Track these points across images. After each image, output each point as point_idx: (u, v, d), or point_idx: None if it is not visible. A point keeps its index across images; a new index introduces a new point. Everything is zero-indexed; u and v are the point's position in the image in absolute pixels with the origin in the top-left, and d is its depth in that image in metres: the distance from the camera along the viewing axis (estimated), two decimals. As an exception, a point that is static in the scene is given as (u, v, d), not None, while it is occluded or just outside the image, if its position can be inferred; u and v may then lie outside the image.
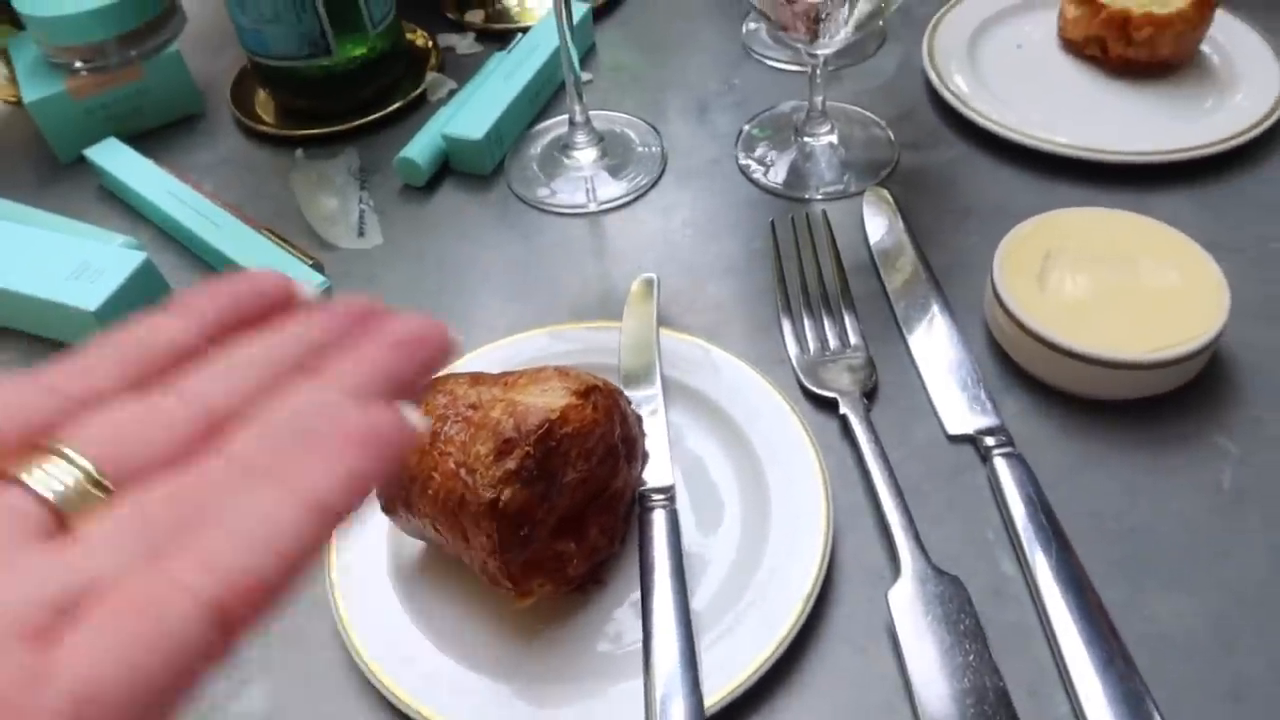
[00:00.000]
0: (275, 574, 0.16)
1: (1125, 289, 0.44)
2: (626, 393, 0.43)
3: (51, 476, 0.17)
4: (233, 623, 0.16)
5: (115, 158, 0.60)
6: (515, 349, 0.46)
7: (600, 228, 0.56)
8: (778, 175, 0.57)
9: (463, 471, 0.34)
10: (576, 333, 0.47)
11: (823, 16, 0.45)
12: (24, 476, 0.17)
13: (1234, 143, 0.53)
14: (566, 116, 0.58)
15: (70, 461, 0.17)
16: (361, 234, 0.56)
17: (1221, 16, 0.60)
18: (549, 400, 0.35)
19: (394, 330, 0.21)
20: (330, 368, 0.20)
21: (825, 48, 0.50)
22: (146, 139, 0.64)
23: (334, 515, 0.17)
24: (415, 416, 0.20)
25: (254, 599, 0.16)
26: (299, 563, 0.17)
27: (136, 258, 0.51)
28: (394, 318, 0.22)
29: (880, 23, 0.49)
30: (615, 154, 0.59)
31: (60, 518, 0.16)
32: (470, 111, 0.59)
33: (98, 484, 0.17)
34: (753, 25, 0.67)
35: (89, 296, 0.49)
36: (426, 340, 0.21)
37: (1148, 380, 0.42)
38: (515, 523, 0.34)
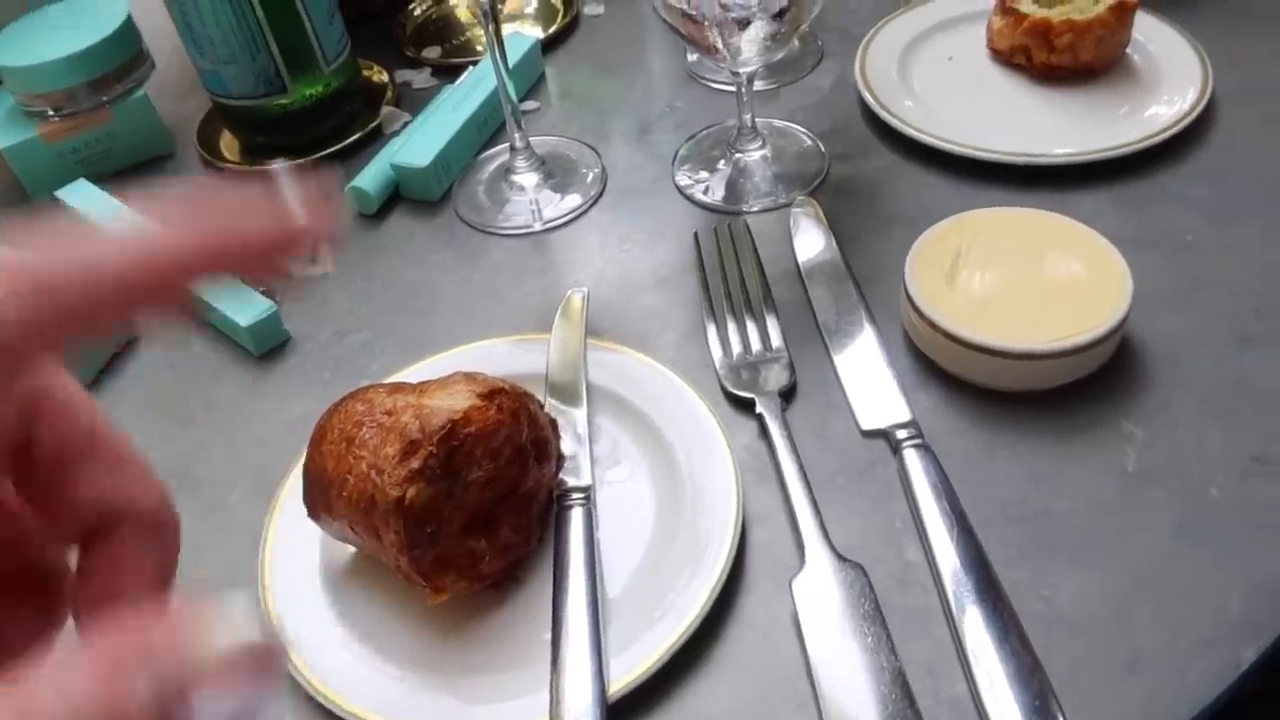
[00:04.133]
0: None
1: (1031, 283, 0.45)
2: (551, 401, 0.45)
3: None
4: None
5: (84, 197, 0.62)
6: (456, 359, 0.48)
7: (544, 246, 0.58)
8: (715, 191, 0.58)
9: (373, 473, 0.36)
10: (517, 343, 0.49)
11: (725, 35, 0.47)
12: None
13: (1151, 142, 0.54)
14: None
15: None
16: (314, 261, 0.58)
17: (1146, 20, 0.61)
18: (453, 403, 0.37)
19: None
20: None
21: (744, 66, 0.52)
22: (117, 179, 0.67)
23: None
24: None
25: None
26: None
27: (95, 289, 0.53)
28: None
29: (795, 42, 0.51)
30: (557, 175, 0.61)
31: None
32: (418, 141, 0.61)
33: None
34: (695, 56, 0.70)
35: (48, 327, 0.51)
36: None
37: (1052, 369, 0.43)
38: (420, 519, 0.36)
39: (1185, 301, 0.48)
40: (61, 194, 0.63)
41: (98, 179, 0.64)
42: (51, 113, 0.65)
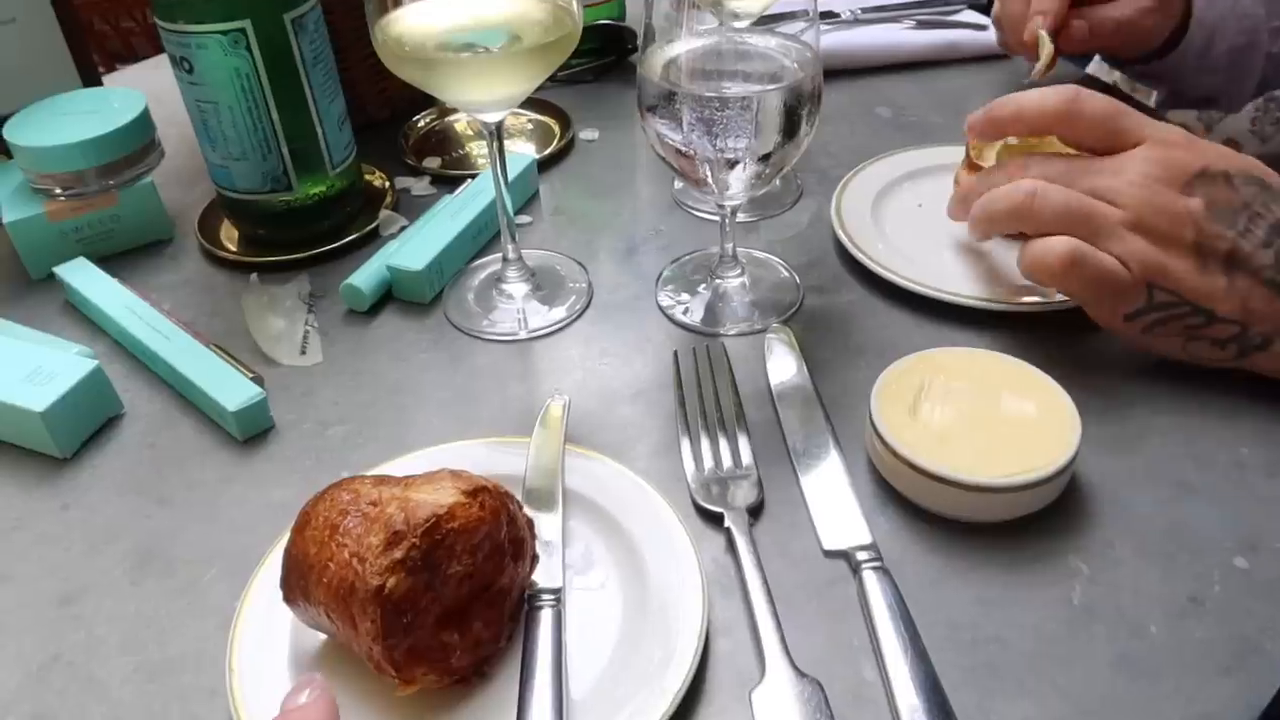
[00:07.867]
0: None
1: (987, 420, 0.48)
2: (527, 504, 0.46)
3: None
4: None
5: (81, 275, 0.64)
6: (435, 457, 0.50)
7: (528, 353, 0.60)
8: (694, 313, 0.62)
9: (355, 561, 0.37)
10: (495, 445, 0.51)
11: (715, 172, 0.51)
12: None
13: (1101, 296, 0.58)
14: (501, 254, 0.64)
15: None
16: (303, 352, 0.60)
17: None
18: (438, 497, 0.38)
19: None
20: None
21: (730, 200, 0.56)
22: (117, 260, 0.69)
23: None
24: None
25: None
26: None
27: (87, 365, 0.55)
28: None
29: (777, 180, 0.55)
30: (545, 288, 0.64)
31: None
32: (414, 245, 0.64)
33: None
34: (681, 184, 0.74)
35: (38, 398, 0.52)
36: None
37: (1005, 503, 0.46)
38: (399, 609, 0.37)
39: (1130, 447, 0.51)
40: (59, 270, 0.65)
41: (98, 258, 0.67)
42: (59, 192, 0.67)
